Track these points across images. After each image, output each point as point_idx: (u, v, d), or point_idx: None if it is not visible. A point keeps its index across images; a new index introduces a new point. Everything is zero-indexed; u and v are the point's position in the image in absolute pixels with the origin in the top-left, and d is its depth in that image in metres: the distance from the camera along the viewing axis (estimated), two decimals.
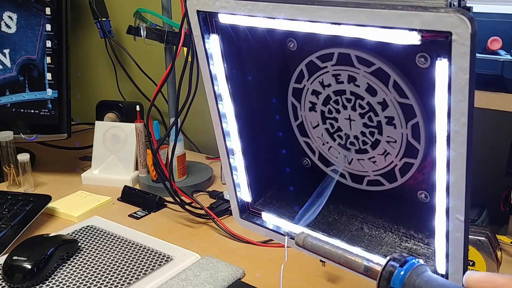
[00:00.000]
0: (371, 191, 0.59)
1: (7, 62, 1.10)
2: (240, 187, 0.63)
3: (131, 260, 0.79)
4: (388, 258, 0.41)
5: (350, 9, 0.42)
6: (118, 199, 1.02)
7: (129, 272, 0.76)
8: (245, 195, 0.64)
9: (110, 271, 0.76)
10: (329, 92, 0.55)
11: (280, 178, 0.66)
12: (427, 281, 0.39)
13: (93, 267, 0.78)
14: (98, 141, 1.12)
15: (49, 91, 1.09)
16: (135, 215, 0.96)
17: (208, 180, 1.08)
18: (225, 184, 1.04)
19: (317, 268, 0.75)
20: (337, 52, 0.52)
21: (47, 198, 0.95)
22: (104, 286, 0.73)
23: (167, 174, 0.93)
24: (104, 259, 0.80)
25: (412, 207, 0.56)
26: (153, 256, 0.80)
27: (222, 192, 1.02)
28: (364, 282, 0.46)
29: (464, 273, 0.39)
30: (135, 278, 0.75)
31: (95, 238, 0.86)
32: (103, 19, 1.29)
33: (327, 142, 0.59)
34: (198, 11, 0.53)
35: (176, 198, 0.91)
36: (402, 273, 0.40)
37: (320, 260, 0.52)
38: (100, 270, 0.77)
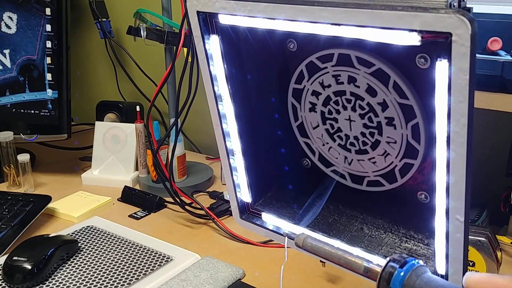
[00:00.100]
0: (371, 191, 0.58)
1: (7, 63, 1.10)
2: (240, 187, 0.63)
3: (131, 261, 0.79)
4: (388, 259, 0.41)
5: (350, 10, 0.42)
6: (118, 200, 1.02)
7: (129, 272, 0.76)
8: (245, 195, 0.64)
9: (110, 271, 0.76)
10: (329, 92, 0.55)
11: (280, 178, 0.66)
12: (427, 282, 0.39)
13: (93, 267, 0.78)
14: (98, 141, 1.12)
15: (49, 92, 1.09)
16: (135, 215, 0.96)
17: (208, 181, 1.08)
18: (225, 184, 1.04)
19: (317, 268, 0.75)
20: (337, 52, 0.52)
21: (47, 199, 0.95)
22: (104, 286, 0.73)
23: (167, 175, 0.93)
24: (104, 260, 0.80)
25: (412, 208, 0.56)
26: (153, 256, 0.80)
27: (222, 193, 1.02)
28: (364, 282, 0.47)
29: (464, 274, 0.39)
30: (135, 279, 0.75)
31: (95, 239, 0.86)
32: (103, 19, 1.29)
33: (327, 143, 0.59)
34: (198, 12, 0.53)
35: (176, 198, 0.91)
36: (402, 274, 0.40)
37: (320, 261, 0.52)
38: (100, 271, 0.77)
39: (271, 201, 0.65)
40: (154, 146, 0.94)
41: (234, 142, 0.61)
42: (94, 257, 0.80)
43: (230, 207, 0.66)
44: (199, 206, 0.92)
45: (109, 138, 1.11)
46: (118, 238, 0.86)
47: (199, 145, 1.32)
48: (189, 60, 0.89)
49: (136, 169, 1.11)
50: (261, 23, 0.50)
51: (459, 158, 0.42)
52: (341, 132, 0.57)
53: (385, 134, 0.53)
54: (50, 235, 0.82)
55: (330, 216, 0.61)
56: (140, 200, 1.00)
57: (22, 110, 1.11)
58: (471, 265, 0.69)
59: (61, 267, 0.77)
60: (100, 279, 0.75)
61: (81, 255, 0.81)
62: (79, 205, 0.98)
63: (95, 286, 0.73)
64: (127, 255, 0.81)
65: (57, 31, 1.06)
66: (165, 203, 1.00)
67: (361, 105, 0.53)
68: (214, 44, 0.55)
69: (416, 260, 0.41)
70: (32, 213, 0.90)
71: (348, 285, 0.74)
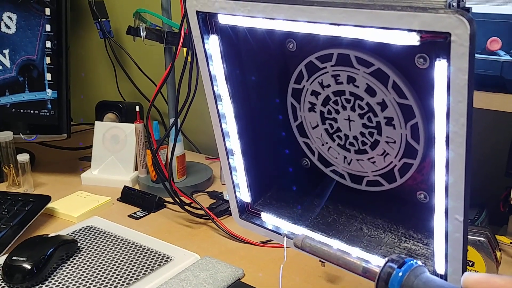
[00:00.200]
0: (371, 191, 0.59)
1: (7, 63, 1.10)
2: (239, 187, 0.63)
3: (131, 261, 0.79)
4: (386, 259, 0.41)
5: (349, 10, 0.42)
6: (117, 200, 1.02)
7: (128, 272, 0.76)
8: (245, 195, 0.64)
9: (110, 271, 0.76)
10: (328, 92, 0.55)
11: (280, 178, 0.66)
12: (425, 282, 0.39)
13: (92, 267, 0.78)
14: (97, 141, 1.12)
15: (49, 92, 1.09)
16: (135, 215, 0.96)
17: (207, 181, 1.08)
18: (224, 184, 1.04)
19: (316, 268, 0.75)
20: (336, 52, 0.52)
21: (47, 199, 0.95)
22: (104, 286, 0.73)
23: (166, 175, 0.93)
24: (104, 260, 0.80)
25: (411, 208, 0.56)
26: (152, 256, 0.80)
27: (221, 193, 1.02)
28: (363, 282, 0.47)
29: (463, 274, 0.39)
30: (135, 279, 0.75)
31: (94, 239, 0.86)
32: (103, 19, 1.29)
33: (327, 143, 0.59)
34: (197, 12, 0.53)
35: (176, 198, 0.91)
36: (400, 274, 0.40)
37: (320, 261, 0.52)
38: (100, 271, 0.77)
39: (270, 201, 0.65)
40: (154, 146, 0.94)
41: (234, 142, 0.61)
42: (94, 257, 0.80)
43: (229, 207, 0.66)
44: (198, 206, 0.92)
45: (109, 138, 1.11)
46: (117, 238, 0.86)
47: (199, 145, 1.33)
48: (189, 60, 0.89)
49: (136, 169, 1.11)
50: (260, 23, 0.50)
51: (458, 158, 0.42)
52: (340, 132, 0.57)
53: (384, 134, 0.53)
54: (50, 235, 0.82)
55: (329, 216, 0.61)
56: (139, 200, 1.00)
57: (21, 110, 1.11)
58: (470, 265, 0.69)
59: (60, 267, 0.77)
60: (99, 279, 0.75)
61: (81, 255, 0.81)
62: (78, 205, 0.98)
63: (94, 286, 0.73)
64: (126, 255, 0.81)
65: (56, 31, 1.06)
66: (165, 203, 1.00)
67: (361, 105, 0.53)
68: (213, 44, 0.55)
69: (415, 260, 0.41)
70: (32, 213, 0.90)
71: (347, 285, 0.74)
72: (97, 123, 1.14)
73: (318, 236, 0.58)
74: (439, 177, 0.45)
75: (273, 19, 0.48)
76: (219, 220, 0.90)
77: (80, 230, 0.89)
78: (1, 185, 1.09)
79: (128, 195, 1.02)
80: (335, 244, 0.51)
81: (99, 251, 0.82)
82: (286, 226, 0.61)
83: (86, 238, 0.86)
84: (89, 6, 1.28)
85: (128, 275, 0.75)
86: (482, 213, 0.86)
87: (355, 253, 0.55)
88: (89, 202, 0.99)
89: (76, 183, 1.10)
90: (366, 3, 0.42)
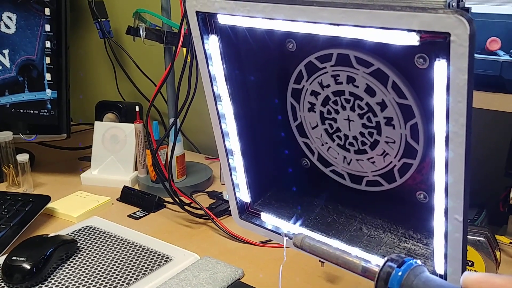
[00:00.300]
0: (370, 191, 0.59)
1: (7, 63, 1.10)
2: (239, 187, 0.63)
3: (130, 261, 0.79)
4: (385, 258, 0.41)
5: (349, 10, 0.42)
6: (117, 200, 1.03)
7: (128, 272, 0.76)
8: (244, 195, 0.64)
9: (110, 271, 0.76)
10: (328, 92, 0.55)
11: (279, 178, 0.66)
12: (424, 281, 0.39)
13: (92, 267, 0.78)
14: (97, 141, 1.12)
15: (49, 92, 1.09)
16: (135, 215, 0.96)
17: (207, 181, 1.08)
18: (224, 184, 1.04)
19: (316, 268, 0.75)
20: (336, 52, 0.52)
21: (47, 199, 0.95)
22: (104, 286, 0.73)
23: (166, 175, 0.93)
24: (104, 260, 0.80)
25: (411, 208, 0.56)
26: (152, 256, 0.80)
27: (221, 193, 1.02)
28: (363, 282, 0.47)
29: (462, 274, 0.39)
30: (134, 279, 0.75)
31: (94, 239, 0.86)
32: (103, 19, 1.29)
33: (326, 143, 0.59)
34: (197, 12, 0.53)
35: (176, 198, 0.91)
36: (399, 273, 0.40)
37: (319, 260, 0.52)
38: (100, 271, 0.77)
39: (270, 201, 0.65)
40: (154, 146, 0.94)
41: (233, 142, 0.61)
42: (93, 257, 0.80)
43: (229, 207, 0.66)
44: (198, 206, 0.92)
45: (109, 138, 1.11)
46: (117, 238, 0.86)
47: (199, 145, 1.33)
48: (188, 60, 0.89)
49: (136, 169, 1.11)
50: (260, 23, 0.50)
51: (457, 158, 0.42)
52: (340, 132, 0.57)
53: (384, 134, 0.53)
54: (49, 235, 0.82)
55: (329, 216, 0.61)
56: (139, 200, 1.00)
57: (21, 110, 1.11)
58: (470, 264, 0.69)
59: (60, 267, 0.77)
60: (99, 279, 0.75)
61: (80, 255, 0.81)
62: (78, 205, 0.98)
63: (94, 286, 0.73)
64: (126, 255, 0.81)
65: (56, 31, 1.06)
66: (164, 203, 1.00)
67: (360, 105, 0.53)
68: (213, 44, 0.55)
69: (414, 260, 0.41)
70: (31, 213, 0.90)
71: (347, 285, 0.74)
72: (96, 123, 1.14)
73: (317, 236, 0.58)
74: (439, 177, 0.45)
75: (272, 19, 0.48)
76: (219, 220, 0.90)
77: (80, 230, 0.89)
78: (1, 185, 1.09)
79: (127, 195, 1.02)
80: (335, 244, 0.51)
81: (99, 251, 0.82)
82: (286, 226, 0.61)
83: (85, 238, 0.86)
84: (88, 6, 1.28)
85: (127, 275, 0.75)
86: (482, 213, 0.86)
87: (355, 253, 0.55)
88: (89, 202, 0.99)
89: (75, 183, 1.10)
90: (366, 3, 0.42)
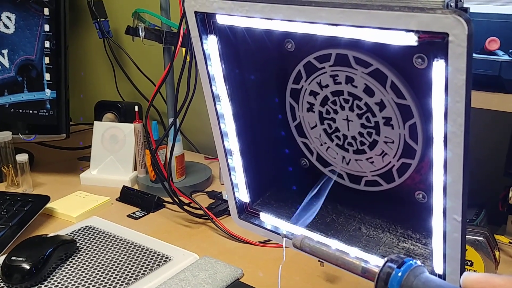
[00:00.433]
0: (369, 191, 0.59)
1: (6, 63, 1.10)
2: (238, 187, 0.63)
3: (130, 261, 0.79)
4: (385, 259, 0.41)
5: (347, 10, 0.42)
6: (116, 200, 1.03)
7: (127, 272, 0.76)
8: (243, 195, 0.64)
9: (109, 271, 0.76)
10: (326, 92, 0.55)
11: (278, 178, 0.66)
12: (424, 282, 0.39)
13: (91, 267, 0.78)
14: (96, 141, 1.12)
15: (48, 92, 1.09)
16: (134, 215, 0.96)
17: (206, 181, 1.08)
18: (223, 184, 1.04)
19: (316, 268, 0.75)
20: (334, 53, 0.52)
21: (46, 199, 0.95)
22: (103, 286, 0.73)
23: (165, 175, 0.93)
24: (103, 260, 0.80)
25: (409, 208, 0.56)
26: (151, 256, 0.80)
27: (220, 193, 1.02)
28: (362, 282, 0.47)
29: (461, 274, 0.39)
30: (134, 279, 0.75)
31: (93, 239, 0.86)
32: (102, 19, 1.29)
33: (325, 143, 0.59)
34: (196, 12, 0.53)
35: (175, 198, 0.91)
36: (399, 274, 0.40)
37: (319, 260, 0.52)
38: (99, 271, 0.77)
39: (269, 201, 0.65)
40: (153, 146, 0.94)
41: (232, 142, 0.61)
42: (93, 257, 0.80)
43: (228, 207, 0.66)
44: (197, 206, 0.92)
45: (108, 138, 1.11)
46: (116, 238, 0.86)
47: (198, 145, 1.33)
48: (188, 60, 0.89)
49: (135, 169, 1.11)
50: (258, 23, 0.50)
51: (456, 158, 0.42)
52: (339, 132, 0.57)
53: (383, 134, 0.53)
54: (49, 235, 0.82)
55: (328, 216, 0.61)
56: (138, 200, 1.00)
57: (20, 110, 1.11)
58: (469, 264, 0.69)
59: (59, 267, 0.77)
60: (98, 279, 0.75)
61: (80, 255, 0.81)
62: (77, 205, 0.98)
63: (93, 286, 0.73)
64: (125, 255, 0.81)
65: (55, 31, 1.06)
66: (164, 203, 1.00)
67: (359, 105, 0.53)
68: (212, 44, 0.55)
69: (414, 260, 0.41)
70: (31, 213, 0.90)
71: (347, 285, 0.74)
72: (96, 123, 1.14)
73: (316, 236, 0.58)
74: (437, 177, 0.45)
75: (271, 19, 0.48)
76: (218, 220, 0.90)
77: (79, 230, 0.89)
78: (0, 185, 1.09)
79: (127, 195, 1.02)
80: (334, 244, 0.51)
81: (98, 251, 0.82)
82: (285, 226, 0.61)
83: (85, 238, 0.86)
84: (88, 6, 1.28)
85: (127, 275, 0.75)
86: (481, 212, 0.86)
87: (354, 253, 0.55)
88: (88, 202, 0.99)
89: (75, 183, 1.10)
90: (364, 3, 0.42)
